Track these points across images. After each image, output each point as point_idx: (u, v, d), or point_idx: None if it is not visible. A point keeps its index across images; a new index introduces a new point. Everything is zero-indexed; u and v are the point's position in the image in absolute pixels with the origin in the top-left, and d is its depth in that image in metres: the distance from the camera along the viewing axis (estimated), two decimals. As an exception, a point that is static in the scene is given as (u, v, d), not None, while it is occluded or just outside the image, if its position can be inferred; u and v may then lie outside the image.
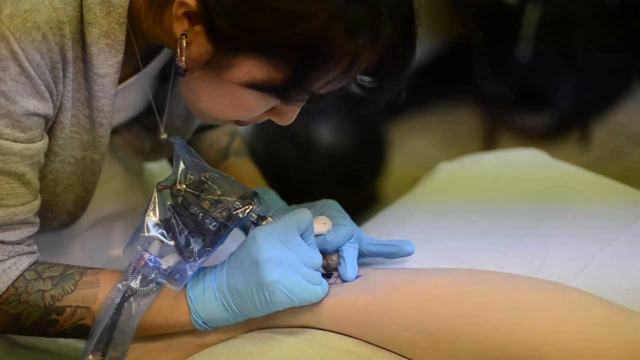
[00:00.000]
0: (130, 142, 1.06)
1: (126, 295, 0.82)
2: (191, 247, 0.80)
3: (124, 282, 0.82)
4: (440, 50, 2.56)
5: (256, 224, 0.82)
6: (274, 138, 2.01)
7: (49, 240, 1.02)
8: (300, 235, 0.82)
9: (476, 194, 1.09)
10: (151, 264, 0.81)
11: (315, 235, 0.88)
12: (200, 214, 0.80)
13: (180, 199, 0.80)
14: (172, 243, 0.81)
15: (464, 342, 0.79)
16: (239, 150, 1.16)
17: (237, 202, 0.81)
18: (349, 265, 0.88)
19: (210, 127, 1.16)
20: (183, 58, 0.78)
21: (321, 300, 0.84)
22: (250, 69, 0.76)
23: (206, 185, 0.80)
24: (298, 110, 0.85)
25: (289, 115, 0.85)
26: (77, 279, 0.84)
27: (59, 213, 0.93)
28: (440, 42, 2.56)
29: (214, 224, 0.80)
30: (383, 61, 0.77)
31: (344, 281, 0.88)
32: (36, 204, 0.84)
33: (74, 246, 1.10)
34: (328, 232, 0.89)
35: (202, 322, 0.83)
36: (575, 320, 0.76)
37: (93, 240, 1.11)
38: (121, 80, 0.90)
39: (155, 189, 0.81)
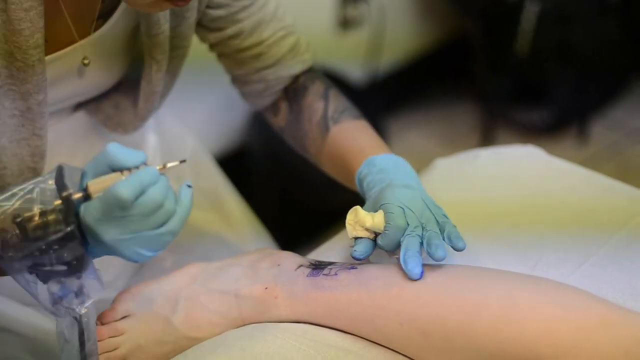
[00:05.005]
0: (115, 118, 1.06)
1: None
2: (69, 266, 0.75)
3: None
4: (439, 45, 2.56)
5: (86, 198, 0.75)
6: (274, 136, 2.01)
7: None
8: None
9: (472, 190, 1.09)
10: (61, 294, 0.77)
11: (377, 234, 0.87)
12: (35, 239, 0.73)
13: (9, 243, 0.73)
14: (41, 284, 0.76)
15: (459, 338, 0.78)
16: (335, 115, 1.05)
17: (58, 206, 0.74)
18: (410, 264, 0.83)
19: (293, 85, 1.09)
20: None
21: (316, 295, 0.85)
22: None
23: (19, 213, 0.73)
24: None
25: None
26: None
27: (19, 172, 0.93)
28: (438, 37, 2.55)
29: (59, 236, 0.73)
30: None
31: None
32: None
33: None
34: (380, 234, 0.86)
35: None
36: (571, 318, 0.76)
37: None
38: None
39: None
